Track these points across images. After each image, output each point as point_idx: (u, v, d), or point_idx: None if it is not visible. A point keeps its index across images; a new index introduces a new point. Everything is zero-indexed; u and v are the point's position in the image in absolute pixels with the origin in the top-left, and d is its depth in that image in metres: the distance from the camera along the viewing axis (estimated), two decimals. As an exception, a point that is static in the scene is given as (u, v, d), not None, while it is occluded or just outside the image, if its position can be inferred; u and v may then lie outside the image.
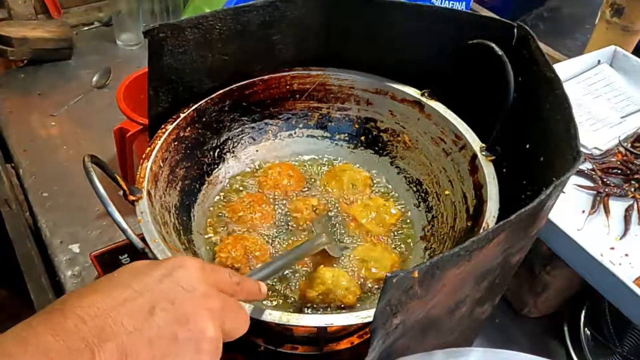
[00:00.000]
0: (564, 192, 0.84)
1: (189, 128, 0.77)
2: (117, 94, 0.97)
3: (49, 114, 1.28)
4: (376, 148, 0.89)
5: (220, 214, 0.82)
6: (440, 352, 0.61)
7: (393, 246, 0.80)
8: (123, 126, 0.94)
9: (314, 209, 0.82)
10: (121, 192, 0.64)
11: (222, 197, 0.84)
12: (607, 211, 0.83)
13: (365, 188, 0.86)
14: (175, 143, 0.76)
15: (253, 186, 0.86)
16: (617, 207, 0.84)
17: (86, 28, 1.57)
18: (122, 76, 1.04)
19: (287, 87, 0.86)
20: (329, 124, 0.90)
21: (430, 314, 0.54)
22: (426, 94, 0.82)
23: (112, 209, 0.56)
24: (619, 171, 0.89)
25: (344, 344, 0.73)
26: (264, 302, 0.71)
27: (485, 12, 1.40)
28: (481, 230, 0.65)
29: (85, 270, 0.96)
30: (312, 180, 0.88)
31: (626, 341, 0.87)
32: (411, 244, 0.80)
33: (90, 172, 0.55)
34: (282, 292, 0.73)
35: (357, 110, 0.89)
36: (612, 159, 0.91)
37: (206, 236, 0.79)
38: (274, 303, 0.72)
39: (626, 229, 0.81)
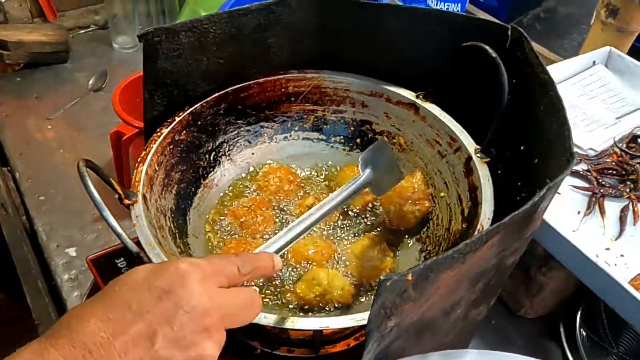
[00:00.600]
0: (559, 193, 0.85)
1: (184, 131, 0.78)
2: (113, 97, 0.97)
3: (45, 117, 1.28)
4: (372, 150, 0.90)
5: (221, 217, 0.82)
6: (435, 355, 0.61)
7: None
8: (119, 129, 0.94)
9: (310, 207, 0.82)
10: (117, 196, 0.64)
11: (221, 202, 0.84)
12: (602, 212, 0.84)
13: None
14: (171, 146, 0.76)
15: (252, 191, 0.86)
16: (613, 207, 0.85)
17: (82, 31, 1.57)
18: (119, 79, 1.04)
19: (283, 90, 0.86)
20: (325, 126, 0.91)
21: (425, 317, 0.54)
22: (421, 96, 0.82)
23: (107, 213, 0.56)
24: (614, 172, 0.89)
25: (340, 347, 0.73)
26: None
27: (481, 14, 1.40)
28: (476, 232, 0.65)
29: (82, 273, 0.96)
30: (309, 183, 0.88)
31: (622, 342, 0.87)
32: (407, 245, 0.80)
33: (84, 176, 0.55)
34: (278, 295, 0.73)
35: (352, 112, 0.89)
36: (607, 160, 0.91)
37: (207, 237, 0.79)
38: (271, 304, 0.72)
39: (621, 230, 0.82)
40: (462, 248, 0.46)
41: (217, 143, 0.84)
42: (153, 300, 0.43)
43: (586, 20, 1.46)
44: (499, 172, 0.73)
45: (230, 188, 0.86)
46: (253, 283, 0.73)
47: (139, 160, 0.70)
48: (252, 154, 0.89)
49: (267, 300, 0.72)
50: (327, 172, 0.90)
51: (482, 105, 0.73)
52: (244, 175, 0.88)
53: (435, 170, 0.81)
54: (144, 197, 0.67)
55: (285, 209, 0.84)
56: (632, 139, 0.95)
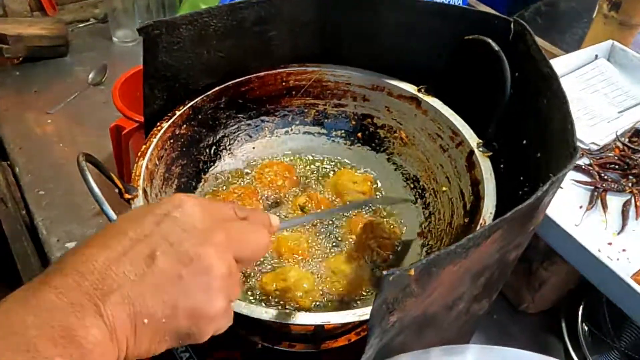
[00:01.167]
0: (561, 188, 0.84)
1: (184, 125, 0.77)
2: (113, 91, 0.97)
3: (45, 111, 1.27)
4: (373, 144, 0.89)
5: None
6: (437, 349, 0.61)
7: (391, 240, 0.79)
8: (119, 124, 0.93)
9: (302, 206, 0.82)
10: (117, 191, 0.63)
11: (215, 192, 0.84)
12: (604, 206, 0.83)
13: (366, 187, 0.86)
14: (171, 141, 0.75)
15: (245, 181, 0.86)
16: (615, 202, 0.84)
17: (82, 25, 1.56)
18: (118, 73, 1.04)
19: (283, 83, 0.86)
20: (326, 120, 0.90)
21: (427, 312, 0.54)
22: (423, 90, 0.81)
23: (107, 208, 0.55)
24: (617, 166, 0.89)
25: (341, 341, 0.73)
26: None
27: (482, 7, 1.39)
28: (478, 227, 0.65)
29: (82, 268, 0.95)
30: (307, 180, 0.88)
31: (624, 336, 0.87)
32: (408, 240, 0.80)
33: (84, 171, 0.54)
34: (247, 281, 0.73)
35: (353, 106, 0.88)
36: (610, 154, 0.91)
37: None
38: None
39: (624, 224, 0.81)
40: (465, 243, 0.46)
41: (218, 137, 0.84)
42: (151, 225, 0.42)
43: (588, 13, 1.45)
44: (501, 166, 0.72)
45: (226, 180, 0.86)
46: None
47: (139, 154, 0.70)
48: (253, 148, 0.88)
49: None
50: (326, 168, 0.89)
51: (484, 99, 0.73)
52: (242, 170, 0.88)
53: (437, 165, 0.81)
54: (145, 191, 0.67)
55: (273, 203, 0.84)
56: (635, 133, 0.94)
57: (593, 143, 0.93)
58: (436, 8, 0.77)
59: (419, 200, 0.83)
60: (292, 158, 0.90)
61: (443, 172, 0.80)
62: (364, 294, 0.74)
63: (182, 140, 0.77)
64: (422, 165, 0.83)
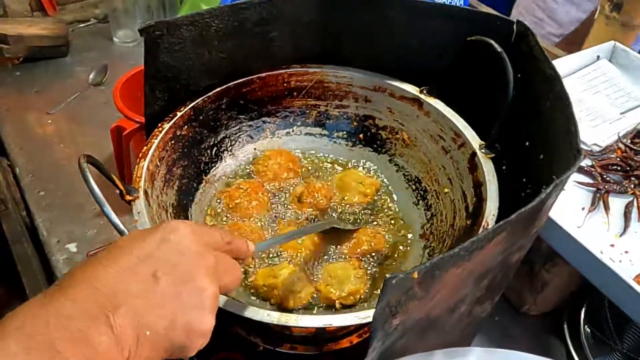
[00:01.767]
0: (563, 189, 0.84)
1: (186, 126, 0.77)
2: (114, 91, 0.97)
3: (45, 111, 1.27)
4: (375, 146, 0.89)
5: (218, 200, 0.82)
6: (439, 352, 0.61)
7: (392, 241, 0.79)
8: (120, 124, 0.93)
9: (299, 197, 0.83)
10: (118, 192, 0.63)
11: (219, 191, 0.84)
12: (606, 208, 0.83)
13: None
14: (172, 142, 0.75)
15: (249, 174, 0.86)
16: (617, 203, 0.84)
17: (82, 25, 1.55)
18: (119, 73, 1.04)
19: (285, 84, 0.85)
20: (327, 121, 0.90)
21: (430, 314, 0.54)
22: (425, 91, 0.81)
23: (108, 209, 0.55)
24: (619, 168, 0.89)
25: (343, 344, 0.73)
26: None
27: (484, 8, 1.39)
28: (481, 229, 0.64)
29: (83, 269, 0.95)
30: (307, 177, 0.87)
31: (626, 338, 0.86)
32: (410, 242, 0.80)
33: (85, 172, 0.54)
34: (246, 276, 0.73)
35: (355, 107, 0.88)
36: (612, 156, 0.91)
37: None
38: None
39: (626, 226, 0.81)
40: (468, 245, 0.45)
41: (219, 138, 0.84)
42: (152, 248, 0.46)
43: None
44: (504, 168, 0.72)
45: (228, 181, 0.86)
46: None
47: (140, 155, 0.70)
48: (254, 149, 0.88)
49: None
50: (329, 167, 0.89)
51: (486, 101, 0.73)
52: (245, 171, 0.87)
53: (439, 166, 0.81)
54: (146, 193, 0.66)
55: (279, 195, 0.84)
56: (637, 134, 0.94)
57: (595, 144, 0.93)
58: (438, 9, 0.77)
59: (421, 201, 0.83)
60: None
61: (445, 174, 0.79)
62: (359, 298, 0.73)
63: (184, 141, 0.77)
64: (424, 167, 0.83)
